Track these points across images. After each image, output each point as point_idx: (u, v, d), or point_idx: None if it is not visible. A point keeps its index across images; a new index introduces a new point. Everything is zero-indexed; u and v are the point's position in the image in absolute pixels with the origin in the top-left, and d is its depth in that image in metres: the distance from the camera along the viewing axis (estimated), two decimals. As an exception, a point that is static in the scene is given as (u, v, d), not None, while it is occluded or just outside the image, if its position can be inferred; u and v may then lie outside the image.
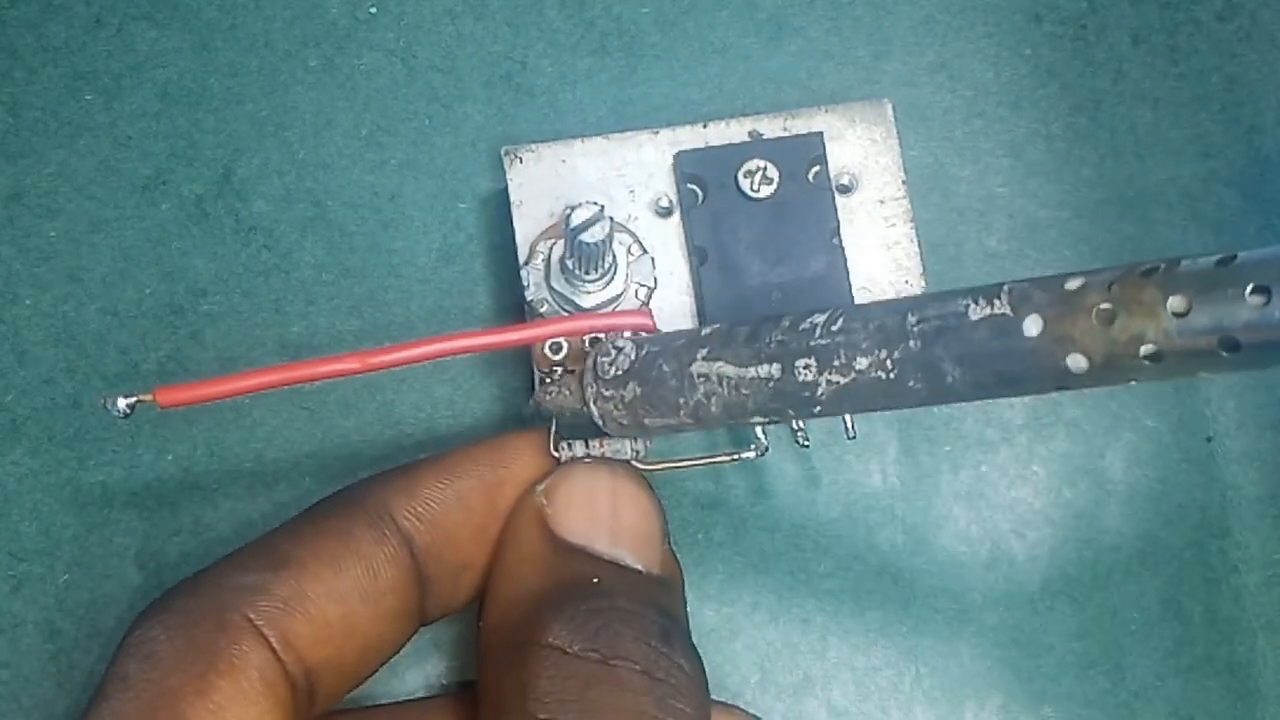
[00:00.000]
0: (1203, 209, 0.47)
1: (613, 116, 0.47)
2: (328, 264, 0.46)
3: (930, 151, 0.47)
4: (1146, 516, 0.45)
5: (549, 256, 0.42)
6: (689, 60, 0.48)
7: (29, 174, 0.47)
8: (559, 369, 0.41)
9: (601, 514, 0.38)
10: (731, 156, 0.43)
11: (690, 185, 0.43)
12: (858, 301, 0.43)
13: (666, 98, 0.47)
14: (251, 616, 0.35)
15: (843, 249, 0.43)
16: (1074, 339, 0.29)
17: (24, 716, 0.43)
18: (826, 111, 0.44)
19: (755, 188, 0.43)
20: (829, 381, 0.33)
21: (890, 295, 0.43)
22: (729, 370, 0.35)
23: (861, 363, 0.33)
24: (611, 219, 0.40)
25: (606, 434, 0.40)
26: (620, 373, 0.38)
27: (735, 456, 0.41)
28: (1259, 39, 0.48)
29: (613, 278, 0.41)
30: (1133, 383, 0.29)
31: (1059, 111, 0.48)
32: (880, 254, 0.43)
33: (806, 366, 0.34)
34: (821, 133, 0.44)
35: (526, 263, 0.42)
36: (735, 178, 0.43)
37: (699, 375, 0.36)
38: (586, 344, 0.41)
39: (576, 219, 0.39)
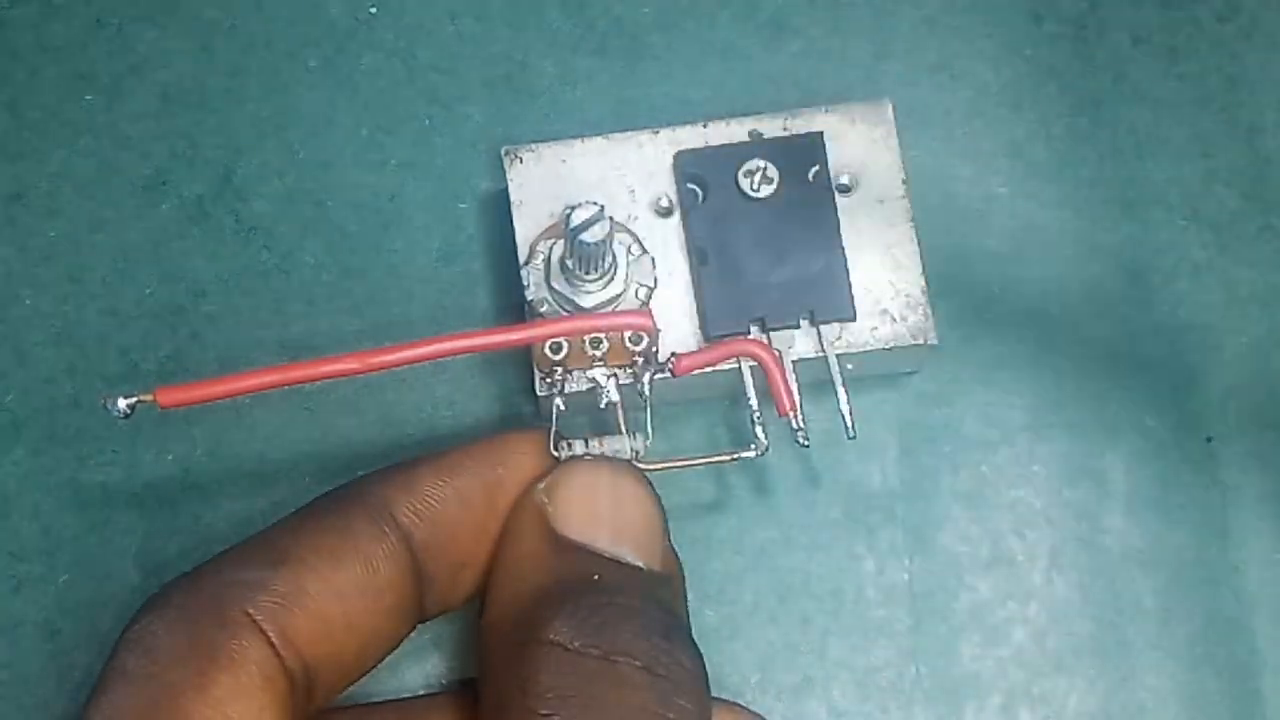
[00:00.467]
0: (1203, 209, 0.47)
1: (613, 117, 0.47)
2: (328, 264, 0.46)
3: (930, 151, 0.47)
4: (1146, 516, 0.45)
5: (549, 256, 0.42)
6: (689, 60, 0.48)
7: (30, 174, 0.47)
8: (559, 369, 0.41)
9: (602, 512, 0.38)
10: (732, 156, 0.43)
11: (690, 185, 0.43)
12: (858, 301, 0.43)
13: (667, 98, 0.47)
14: (251, 612, 0.35)
15: (843, 249, 0.43)
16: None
17: (24, 716, 0.43)
18: (827, 112, 0.44)
19: (755, 187, 0.43)
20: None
21: (890, 295, 0.43)
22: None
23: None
24: (611, 219, 0.40)
25: (607, 432, 0.40)
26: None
27: (735, 456, 0.41)
28: (1259, 39, 0.48)
29: (613, 278, 0.41)
30: None
31: (1059, 111, 0.48)
32: (880, 254, 0.43)
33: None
34: (822, 133, 0.44)
35: (526, 263, 0.42)
36: (735, 178, 0.43)
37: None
38: (586, 344, 0.41)
39: (577, 219, 0.39)
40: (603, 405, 0.41)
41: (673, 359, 0.40)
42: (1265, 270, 0.47)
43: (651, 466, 0.40)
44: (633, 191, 0.44)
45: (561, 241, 0.41)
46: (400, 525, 0.37)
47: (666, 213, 0.44)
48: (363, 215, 0.47)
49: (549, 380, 0.41)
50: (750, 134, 0.44)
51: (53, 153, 0.47)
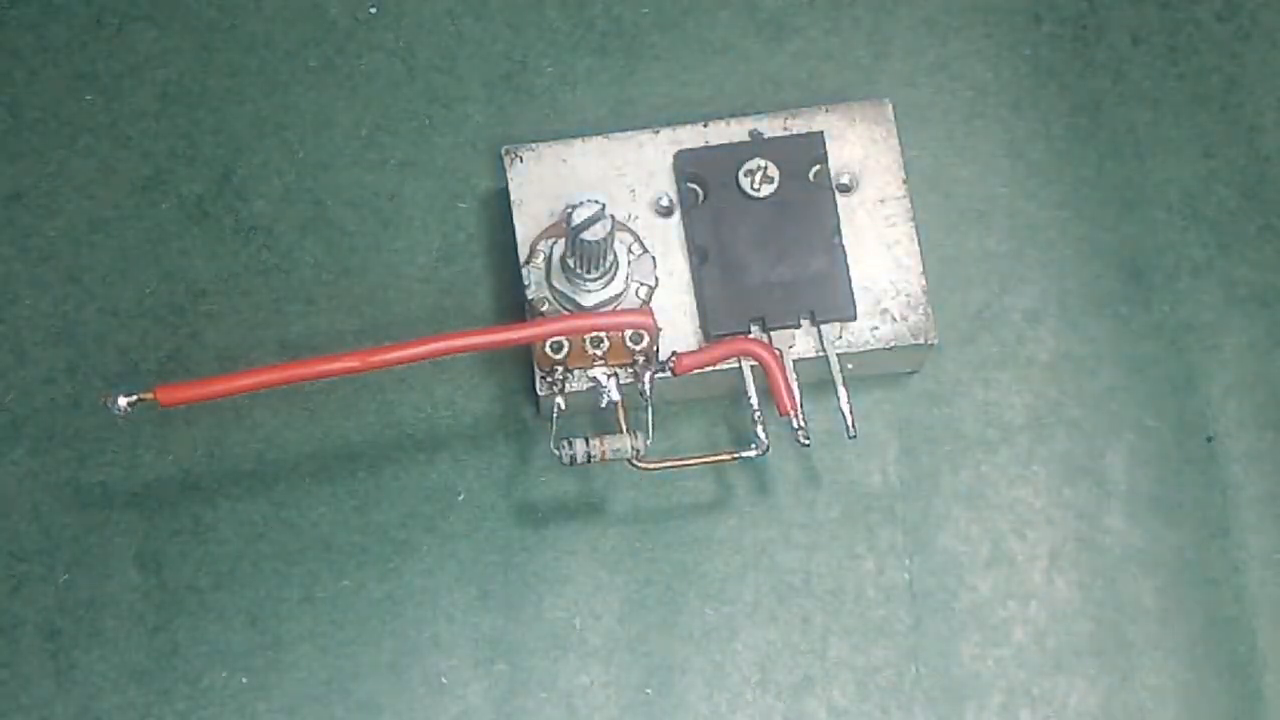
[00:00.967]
0: (1203, 209, 0.47)
1: (613, 116, 0.47)
2: (328, 264, 0.46)
3: (930, 151, 0.47)
4: (1146, 516, 0.45)
5: (549, 255, 0.42)
6: (689, 60, 0.48)
7: (29, 174, 0.47)
8: (559, 368, 0.41)
9: None
10: (732, 156, 0.43)
11: (691, 184, 0.43)
12: (858, 301, 0.43)
13: (666, 98, 0.47)
14: None
15: (843, 248, 0.43)
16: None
17: (23, 716, 0.43)
18: (827, 111, 0.44)
19: (756, 187, 0.43)
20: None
21: (890, 295, 0.43)
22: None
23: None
24: (613, 217, 0.40)
25: (608, 432, 0.40)
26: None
27: (736, 455, 0.41)
28: (1259, 39, 0.48)
29: (613, 276, 0.41)
30: None
31: (1059, 111, 0.48)
32: (881, 253, 0.43)
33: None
34: (822, 132, 0.44)
35: (527, 262, 0.42)
36: (736, 177, 0.43)
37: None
38: (587, 343, 0.41)
39: (578, 217, 0.39)
40: (603, 404, 0.41)
41: (673, 358, 0.40)
42: (1265, 270, 0.47)
43: (652, 466, 0.40)
44: (633, 191, 0.44)
45: (562, 240, 0.41)
46: None
47: (667, 212, 0.44)
48: (362, 215, 0.47)
49: (549, 379, 0.41)
50: (751, 134, 0.44)
51: (52, 152, 0.47)
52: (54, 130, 0.47)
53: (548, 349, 0.41)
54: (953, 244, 0.47)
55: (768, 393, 0.41)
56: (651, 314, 0.40)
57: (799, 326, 0.43)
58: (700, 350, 0.41)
